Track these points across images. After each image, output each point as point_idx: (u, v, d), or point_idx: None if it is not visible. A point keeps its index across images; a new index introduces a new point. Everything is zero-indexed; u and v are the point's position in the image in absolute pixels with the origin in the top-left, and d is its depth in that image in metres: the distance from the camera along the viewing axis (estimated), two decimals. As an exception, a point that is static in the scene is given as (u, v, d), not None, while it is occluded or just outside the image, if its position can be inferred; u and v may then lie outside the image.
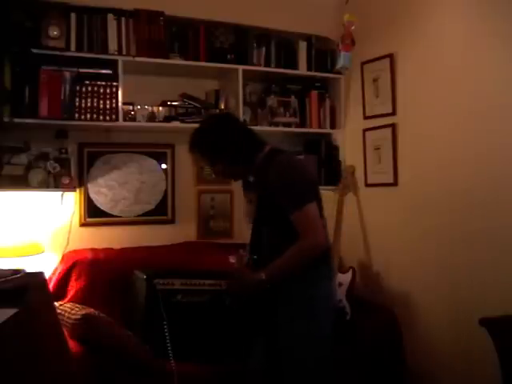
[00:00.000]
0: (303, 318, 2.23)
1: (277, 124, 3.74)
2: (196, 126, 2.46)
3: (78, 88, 3.09)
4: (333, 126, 3.93)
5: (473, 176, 3.00)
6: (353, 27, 3.29)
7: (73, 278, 3.11)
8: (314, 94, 3.87)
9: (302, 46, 3.80)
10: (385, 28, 3.56)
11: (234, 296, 2.31)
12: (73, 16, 3.09)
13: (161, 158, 3.63)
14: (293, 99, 3.84)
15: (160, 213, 3.63)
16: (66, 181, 3.14)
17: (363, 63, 3.71)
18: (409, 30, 3.41)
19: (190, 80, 3.62)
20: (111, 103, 3.16)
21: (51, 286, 3.04)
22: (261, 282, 2.18)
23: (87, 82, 3.11)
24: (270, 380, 2.45)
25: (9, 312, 1.42)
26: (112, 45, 3.19)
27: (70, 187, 3.18)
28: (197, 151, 2.34)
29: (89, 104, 3.11)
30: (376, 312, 3.39)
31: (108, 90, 3.15)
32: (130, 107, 3.29)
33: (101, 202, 3.47)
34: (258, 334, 2.51)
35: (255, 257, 2.22)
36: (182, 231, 3.66)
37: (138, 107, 3.32)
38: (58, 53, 3.03)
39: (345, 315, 3.31)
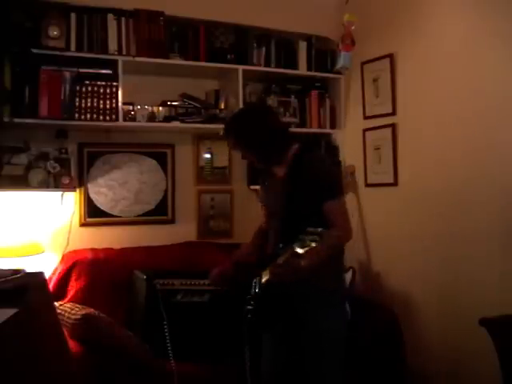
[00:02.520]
0: (331, 307, 2.37)
1: (277, 124, 3.73)
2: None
3: (78, 88, 3.09)
4: (333, 126, 3.93)
5: (473, 176, 3.00)
6: (353, 27, 3.29)
7: (73, 277, 3.11)
8: (314, 93, 3.87)
9: (302, 46, 3.80)
10: (385, 28, 3.56)
11: (277, 280, 2.25)
12: (73, 16, 3.10)
13: (161, 158, 3.63)
14: (293, 99, 3.84)
15: (160, 213, 3.63)
16: (66, 181, 3.14)
17: (363, 63, 3.71)
18: (409, 29, 3.41)
19: (189, 80, 3.62)
20: (111, 103, 3.16)
21: (51, 286, 3.04)
22: (302, 268, 2.15)
23: (87, 82, 3.11)
24: (285, 380, 2.48)
25: (9, 312, 1.42)
26: (112, 45, 3.19)
27: (69, 187, 3.18)
28: (232, 137, 2.41)
29: (89, 104, 3.11)
30: (376, 311, 3.39)
31: (108, 90, 3.15)
32: (130, 107, 3.29)
33: (101, 202, 3.47)
34: (268, 333, 2.52)
35: (281, 245, 2.22)
36: (181, 231, 3.66)
37: (138, 107, 3.31)
38: (58, 53, 3.03)
39: (345, 315, 3.31)
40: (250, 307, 2.36)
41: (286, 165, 2.40)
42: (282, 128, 2.45)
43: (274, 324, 2.43)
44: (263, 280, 2.34)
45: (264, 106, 2.65)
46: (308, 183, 2.31)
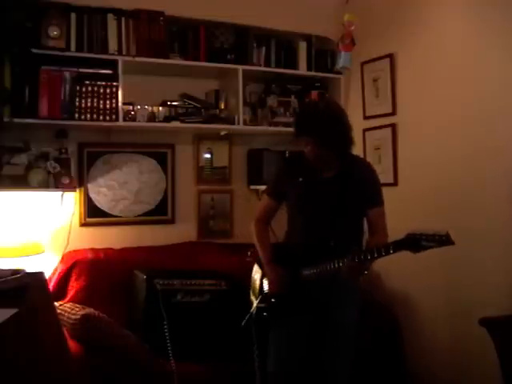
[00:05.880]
0: (353, 306, 2.51)
1: (277, 124, 3.73)
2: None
3: (78, 88, 3.09)
4: (333, 126, 3.92)
5: (473, 176, 3.00)
6: (353, 27, 3.29)
7: (73, 277, 3.11)
8: (314, 94, 3.86)
9: (302, 46, 3.80)
10: (385, 28, 3.56)
11: (351, 278, 2.35)
12: (73, 16, 3.10)
13: (161, 158, 3.63)
14: (293, 99, 3.83)
15: (160, 213, 3.63)
16: (66, 181, 3.14)
17: (363, 63, 3.71)
18: (409, 30, 3.41)
19: (189, 80, 3.61)
20: (111, 103, 3.16)
21: (51, 286, 3.04)
22: (367, 268, 2.36)
23: (87, 82, 3.11)
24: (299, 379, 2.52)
25: (9, 312, 1.42)
26: (112, 45, 3.19)
27: (70, 187, 3.18)
28: (313, 133, 2.35)
29: (89, 104, 3.11)
30: (376, 312, 3.39)
31: (108, 90, 3.15)
32: (130, 107, 3.28)
33: (101, 202, 3.47)
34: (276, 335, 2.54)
35: (332, 243, 2.35)
36: (182, 231, 3.66)
37: (138, 107, 3.31)
38: (58, 53, 3.03)
39: (345, 315, 3.31)
40: (263, 305, 2.45)
41: (334, 165, 2.45)
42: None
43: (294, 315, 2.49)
44: (308, 273, 2.38)
45: (339, 105, 2.66)
46: (359, 187, 2.42)
